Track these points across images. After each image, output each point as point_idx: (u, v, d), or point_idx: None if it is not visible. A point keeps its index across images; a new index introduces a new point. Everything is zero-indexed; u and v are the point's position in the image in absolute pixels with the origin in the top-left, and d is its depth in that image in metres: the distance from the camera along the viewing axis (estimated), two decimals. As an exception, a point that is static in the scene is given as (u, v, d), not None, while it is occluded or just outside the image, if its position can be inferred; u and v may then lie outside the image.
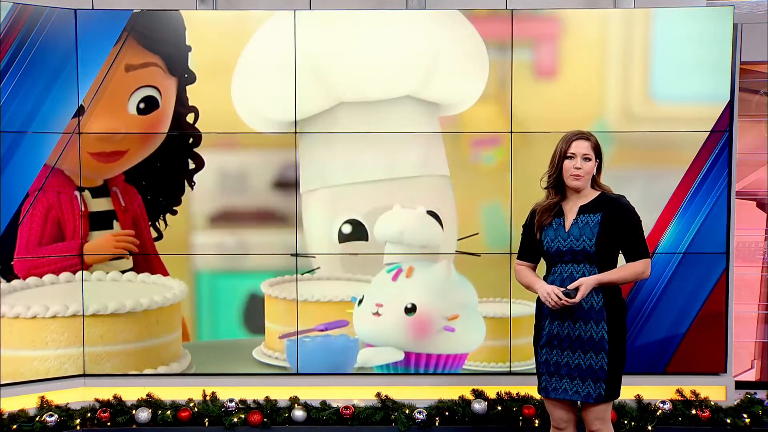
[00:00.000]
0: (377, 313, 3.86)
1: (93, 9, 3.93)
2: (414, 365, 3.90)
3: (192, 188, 3.91)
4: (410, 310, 3.86)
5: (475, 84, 3.83)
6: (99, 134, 3.85)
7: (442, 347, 3.90)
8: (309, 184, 3.90)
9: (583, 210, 2.75)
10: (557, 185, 2.79)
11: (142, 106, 3.85)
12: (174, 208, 3.91)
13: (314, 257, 3.92)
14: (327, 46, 3.84)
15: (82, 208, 3.87)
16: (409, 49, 3.83)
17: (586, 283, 2.66)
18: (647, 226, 3.76)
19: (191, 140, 3.88)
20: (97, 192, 3.90)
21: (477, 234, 3.90)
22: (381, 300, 3.87)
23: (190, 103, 3.87)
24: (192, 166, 3.90)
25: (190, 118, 3.87)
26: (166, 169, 3.90)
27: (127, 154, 3.88)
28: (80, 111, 3.84)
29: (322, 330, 3.90)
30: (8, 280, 3.76)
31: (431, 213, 3.88)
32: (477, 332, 3.91)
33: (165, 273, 3.92)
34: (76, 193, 3.87)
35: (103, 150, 3.88)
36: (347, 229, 3.90)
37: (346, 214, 3.90)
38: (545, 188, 2.83)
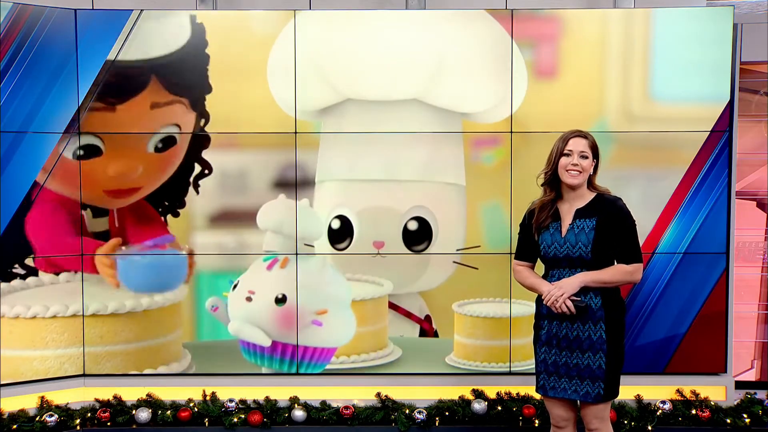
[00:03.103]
0: (249, 299, 3.89)
1: (93, 9, 3.93)
2: (280, 354, 3.92)
3: (198, 193, 3.90)
4: (280, 300, 3.89)
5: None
6: (116, 169, 3.85)
7: (310, 340, 3.92)
8: (322, 176, 3.91)
9: (579, 214, 2.74)
10: (553, 183, 2.79)
11: (160, 146, 3.86)
12: (177, 210, 3.91)
13: (315, 255, 3.92)
14: (344, 46, 3.85)
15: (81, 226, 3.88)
16: (432, 52, 3.83)
17: (564, 288, 2.68)
18: (647, 226, 3.79)
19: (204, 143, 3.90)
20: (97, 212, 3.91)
21: (478, 246, 3.90)
22: (254, 287, 3.90)
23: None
24: (198, 170, 3.90)
25: (201, 122, 3.88)
26: (174, 179, 3.91)
27: (141, 189, 3.88)
28: (79, 112, 3.85)
29: (150, 246, 3.89)
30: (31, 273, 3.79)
31: (418, 219, 3.89)
32: (346, 328, 3.93)
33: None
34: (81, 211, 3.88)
35: (119, 188, 3.87)
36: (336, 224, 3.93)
37: (350, 208, 3.92)
38: (541, 185, 2.83)
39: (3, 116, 3.70)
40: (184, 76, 3.82)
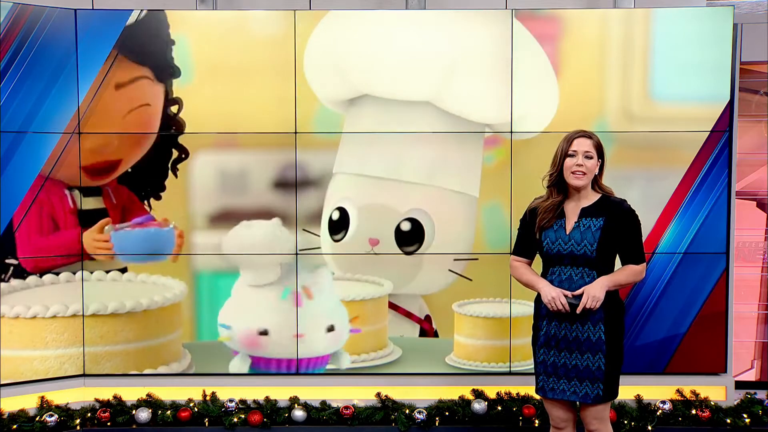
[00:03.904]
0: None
1: (93, 9, 3.93)
2: (305, 368, 3.96)
3: (176, 177, 3.91)
4: (330, 329, 3.92)
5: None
6: (94, 140, 3.86)
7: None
8: (338, 168, 3.92)
9: (584, 213, 2.74)
10: (558, 184, 2.78)
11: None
12: (159, 194, 3.93)
13: (318, 249, 3.93)
14: (372, 45, 3.86)
15: (71, 206, 3.87)
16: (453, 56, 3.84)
17: (598, 296, 2.65)
18: (647, 226, 3.79)
19: (173, 129, 3.90)
20: (88, 191, 3.90)
21: (476, 259, 3.90)
22: (300, 330, 3.92)
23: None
24: (176, 155, 3.91)
25: (174, 109, 3.88)
26: (153, 162, 3.92)
27: (120, 164, 3.89)
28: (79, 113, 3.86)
29: (134, 224, 3.92)
30: (22, 277, 3.78)
31: (411, 220, 3.89)
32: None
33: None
34: (66, 191, 3.87)
35: (95, 161, 3.88)
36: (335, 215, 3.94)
37: (352, 202, 3.92)
38: (547, 187, 2.82)
39: (3, 116, 3.70)
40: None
